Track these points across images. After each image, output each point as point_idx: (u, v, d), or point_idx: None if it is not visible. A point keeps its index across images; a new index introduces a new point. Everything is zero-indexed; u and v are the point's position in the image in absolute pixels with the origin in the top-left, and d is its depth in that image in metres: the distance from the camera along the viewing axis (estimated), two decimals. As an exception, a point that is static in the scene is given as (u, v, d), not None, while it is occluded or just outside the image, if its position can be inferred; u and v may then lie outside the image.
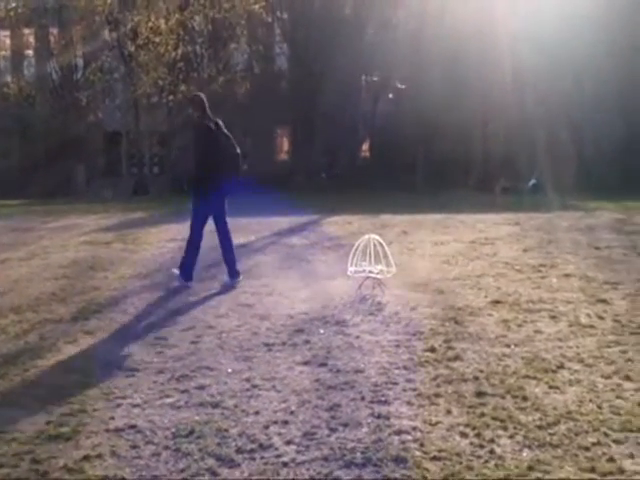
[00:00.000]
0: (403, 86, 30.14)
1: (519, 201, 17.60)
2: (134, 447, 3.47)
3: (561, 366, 4.50)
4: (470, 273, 7.77)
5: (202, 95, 7.64)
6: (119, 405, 4.01)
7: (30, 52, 32.23)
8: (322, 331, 5.45)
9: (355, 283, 6.93)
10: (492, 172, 24.73)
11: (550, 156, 23.41)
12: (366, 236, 7.01)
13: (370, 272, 6.85)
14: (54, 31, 30.61)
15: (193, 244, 7.39)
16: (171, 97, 27.42)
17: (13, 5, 28.42)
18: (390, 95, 30.91)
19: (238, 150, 7.48)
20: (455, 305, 6.21)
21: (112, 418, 3.82)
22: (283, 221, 13.49)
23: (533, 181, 23.93)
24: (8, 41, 32.02)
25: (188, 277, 7.36)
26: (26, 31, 31.31)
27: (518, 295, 6.58)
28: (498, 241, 10.28)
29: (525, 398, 3.95)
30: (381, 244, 6.90)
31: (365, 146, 32.69)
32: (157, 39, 27.22)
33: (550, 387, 4.13)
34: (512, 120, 25.58)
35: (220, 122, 7.45)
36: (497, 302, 6.30)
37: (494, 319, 5.72)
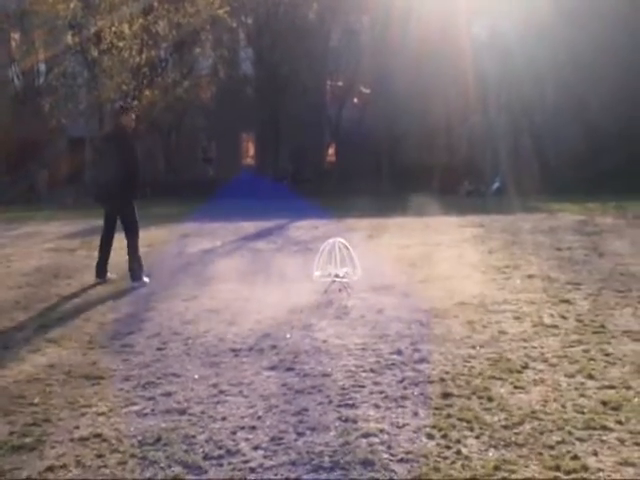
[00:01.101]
0: (368, 91, 30.34)
1: (483, 204, 17.81)
2: (99, 456, 3.42)
3: (526, 366, 4.56)
4: (435, 275, 7.84)
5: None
6: (84, 414, 3.96)
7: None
8: (289, 335, 5.45)
9: (322, 287, 6.94)
10: (456, 176, 24.98)
11: (513, 160, 23.78)
12: (331, 240, 7.04)
13: (336, 276, 6.88)
14: (16, 36, 30.15)
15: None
16: (135, 102, 27.17)
17: (-27, 9, 27.94)
18: (355, 100, 31.08)
19: None
20: (421, 307, 6.26)
21: (77, 427, 3.77)
22: (249, 226, 13.46)
23: (497, 184, 24.25)
24: (-33, 46, 31.48)
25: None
26: (-14, 36, 30.81)
27: (483, 297, 6.65)
28: (463, 243, 10.39)
29: (490, 399, 3.99)
30: (346, 247, 6.93)
31: (331, 150, 32.80)
32: (121, 44, 27.00)
33: (515, 387, 4.18)
34: (475, 125, 25.93)
35: None
36: (462, 304, 6.37)
37: (459, 321, 5.77)
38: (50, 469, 3.29)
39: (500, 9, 26.13)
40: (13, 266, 9.31)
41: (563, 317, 5.81)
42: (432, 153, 26.70)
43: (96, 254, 8.27)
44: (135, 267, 7.82)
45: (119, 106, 8.79)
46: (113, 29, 27.06)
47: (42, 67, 30.67)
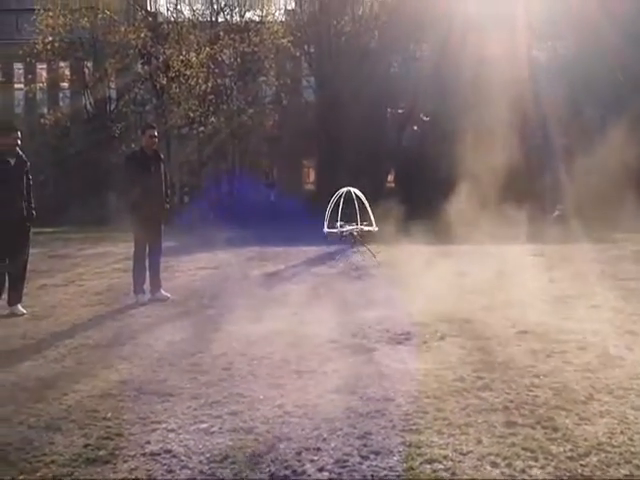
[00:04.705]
0: (427, 118, 30.35)
1: (544, 232, 17.52)
2: (170, 471, 3.54)
3: (591, 397, 4.51)
4: (497, 303, 7.80)
5: None
6: (154, 430, 4.10)
7: (65, 85, 33.04)
8: (351, 359, 5.52)
9: (383, 311, 6.99)
10: (517, 201, 24.59)
11: (575, 187, 23.32)
12: (344, 189, 6.93)
13: (346, 231, 6.69)
14: (89, 64, 31.34)
15: None
16: (201, 129, 27.92)
17: (50, 39, 29.19)
18: (415, 127, 31.11)
19: None
20: (483, 335, 6.25)
21: (148, 442, 3.91)
22: (311, 250, 13.61)
23: (558, 212, 23.79)
24: (45, 74, 32.91)
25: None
26: (62, 64, 32.13)
27: (546, 326, 6.59)
28: (524, 272, 10.28)
29: (555, 429, 3.97)
30: (359, 197, 6.81)
31: (390, 177, 32.83)
32: (188, 72, 27.81)
33: (580, 418, 4.14)
34: (535, 150, 25.58)
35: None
36: (525, 332, 6.33)
37: (522, 349, 5.74)
38: (123, 482, 3.44)
39: (560, 31, 25.89)
40: (86, 285, 9.68)
41: (629, 348, 5.72)
42: (490, 179, 26.42)
43: (165, 275, 8.57)
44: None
45: (141, 127, 9.13)
46: (181, 58, 27.92)
47: (113, 94, 31.79)
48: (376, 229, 6.81)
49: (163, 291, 8.47)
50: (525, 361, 5.38)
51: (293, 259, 12.35)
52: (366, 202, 7.01)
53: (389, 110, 31.67)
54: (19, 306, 7.69)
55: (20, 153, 7.69)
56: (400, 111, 31.19)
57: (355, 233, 6.78)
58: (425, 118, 30.49)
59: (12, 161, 7.58)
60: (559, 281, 9.40)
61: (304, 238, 15.50)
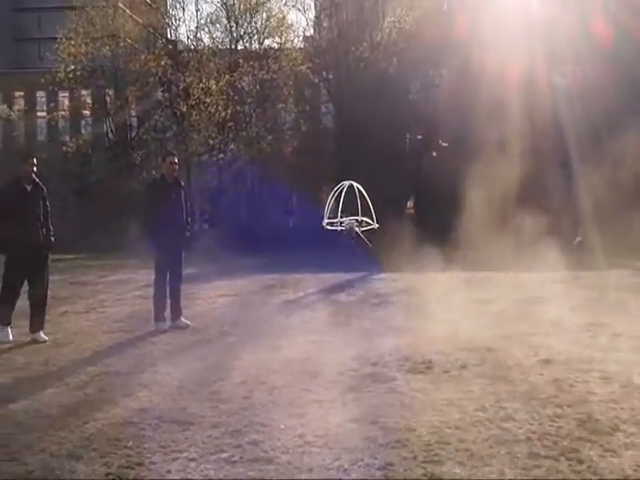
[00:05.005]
0: (446, 144, 30.39)
1: (564, 259, 17.38)
2: (191, 501, 3.55)
3: (616, 428, 4.45)
4: (518, 332, 7.74)
5: None
6: (175, 459, 4.10)
7: (87, 112, 33.59)
8: (371, 389, 5.50)
9: (404, 340, 6.97)
10: (538, 229, 24.48)
11: (596, 213, 23.16)
12: (346, 182, 6.91)
13: (347, 225, 6.63)
14: (110, 92, 31.85)
15: None
16: (221, 155, 28.17)
17: (72, 67, 29.75)
18: (434, 153, 31.16)
19: None
20: (505, 364, 6.20)
21: (169, 472, 3.91)
22: (330, 277, 13.63)
23: (578, 238, 23.60)
24: (67, 102, 33.50)
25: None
26: (84, 92, 32.72)
27: (568, 354, 6.53)
28: (545, 299, 10.20)
29: (580, 461, 3.92)
30: (360, 191, 6.77)
31: (409, 203, 32.83)
32: (208, 99, 28.17)
33: (605, 450, 4.09)
34: (555, 175, 25.47)
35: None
36: (547, 361, 6.27)
37: (545, 379, 5.69)
38: (145, 512, 3.44)
39: (581, 55, 25.89)
40: (107, 312, 9.76)
41: (654, 378, 5.65)
42: (510, 205, 26.34)
43: (185, 302, 8.61)
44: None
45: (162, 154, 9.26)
46: (201, 85, 28.32)
47: (134, 121, 32.25)
48: (377, 226, 6.75)
49: (183, 318, 8.50)
50: (548, 391, 5.32)
51: (313, 286, 12.37)
52: (367, 197, 6.95)
53: (408, 136, 31.77)
54: (41, 333, 7.76)
55: (37, 180, 7.81)
56: (419, 137, 31.28)
57: (355, 227, 6.70)
58: (444, 144, 30.54)
59: (29, 188, 7.72)
60: (580, 309, 9.30)
61: (324, 265, 15.52)
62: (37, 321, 7.76)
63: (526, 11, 26.98)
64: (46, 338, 7.71)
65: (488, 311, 9.23)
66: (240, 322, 8.71)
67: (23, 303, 7.82)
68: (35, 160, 7.79)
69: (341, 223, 6.31)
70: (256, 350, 7.06)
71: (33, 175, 7.74)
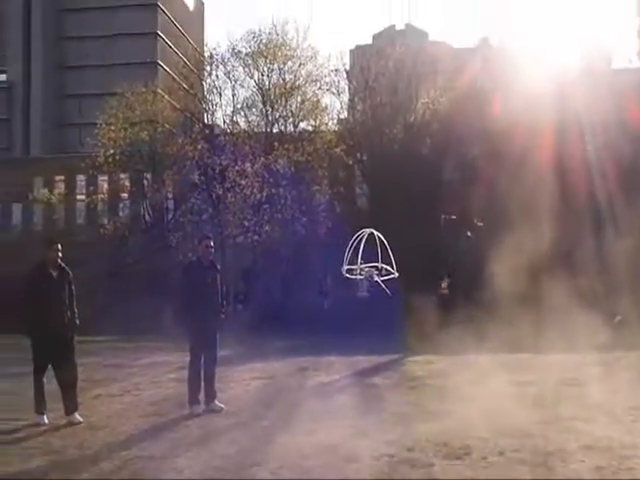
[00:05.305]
0: (481, 223, 30.41)
1: (604, 339, 17.01)
2: None
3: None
4: (557, 416, 7.56)
5: None
6: None
7: (125, 195, 34.53)
8: (409, 475, 5.39)
9: (441, 424, 6.85)
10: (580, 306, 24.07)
11: (635, 288, 22.72)
12: (367, 230, 6.84)
13: (366, 273, 6.55)
14: (148, 175, 32.77)
15: None
16: (256, 237, 28.51)
17: (111, 152, 30.79)
18: (469, 233, 31.16)
19: None
20: (544, 450, 6.05)
21: None
22: (365, 360, 13.52)
23: (619, 317, 23.08)
24: (106, 185, 34.55)
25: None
26: (122, 176, 33.73)
27: (610, 440, 6.35)
28: (584, 382, 9.96)
29: None
30: (380, 239, 6.68)
31: (444, 284, 32.63)
32: (243, 182, 28.71)
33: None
34: (592, 252, 25.20)
35: None
36: (589, 447, 6.10)
37: (587, 465, 5.53)
38: None
39: (614, 126, 25.99)
40: (141, 395, 9.78)
41: (701, 466, 5.45)
42: (547, 285, 26.03)
43: (219, 385, 8.61)
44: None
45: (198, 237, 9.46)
46: (237, 168, 28.93)
47: (170, 204, 32.98)
48: (396, 275, 6.73)
49: (217, 402, 8.48)
50: (591, 479, 5.17)
51: (347, 369, 12.27)
52: (387, 245, 6.95)
53: (442, 216, 31.90)
54: (76, 414, 7.80)
55: (62, 265, 8.06)
56: (453, 217, 31.37)
57: (375, 276, 6.69)
58: (479, 223, 30.57)
59: (54, 273, 7.96)
60: (622, 392, 9.06)
61: (358, 347, 15.41)
62: (70, 404, 7.83)
63: (559, 89, 27.32)
64: (81, 419, 7.74)
65: (526, 394, 9.04)
66: (274, 405, 8.66)
67: (56, 386, 7.89)
68: (60, 246, 8.07)
69: (361, 271, 6.32)
70: (291, 435, 7.00)
71: (58, 260, 8.00)
